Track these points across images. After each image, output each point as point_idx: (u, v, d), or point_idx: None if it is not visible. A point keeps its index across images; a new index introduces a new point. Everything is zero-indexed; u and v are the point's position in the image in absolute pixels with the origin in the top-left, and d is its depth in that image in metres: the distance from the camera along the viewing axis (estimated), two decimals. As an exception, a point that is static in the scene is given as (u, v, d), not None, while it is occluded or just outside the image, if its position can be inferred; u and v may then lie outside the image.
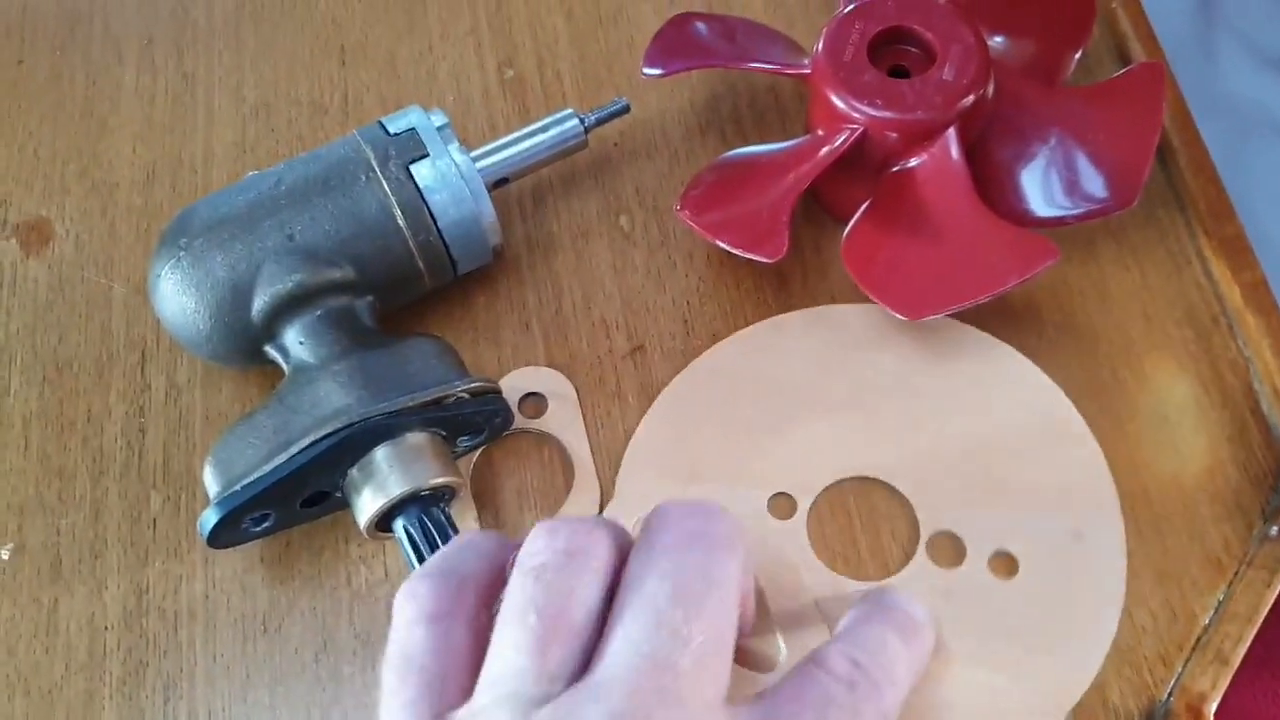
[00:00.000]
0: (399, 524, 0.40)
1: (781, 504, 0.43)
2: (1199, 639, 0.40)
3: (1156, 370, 0.44)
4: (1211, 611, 0.40)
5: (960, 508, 0.42)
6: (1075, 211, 0.44)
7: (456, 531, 0.40)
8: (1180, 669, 0.40)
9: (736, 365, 0.45)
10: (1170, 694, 0.39)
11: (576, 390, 0.46)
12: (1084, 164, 0.44)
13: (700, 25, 0.49)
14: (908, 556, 0.42)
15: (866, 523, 0.43)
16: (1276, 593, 0.39)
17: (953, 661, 0.40)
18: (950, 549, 0.42)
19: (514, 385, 0.45)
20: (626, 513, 0.42)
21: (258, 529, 0.41)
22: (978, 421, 0.43)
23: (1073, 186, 0.44)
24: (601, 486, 0.44)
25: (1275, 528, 0.41)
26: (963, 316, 0.45)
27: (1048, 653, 0.40)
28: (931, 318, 0.43)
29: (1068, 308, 0.46)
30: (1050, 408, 0.44)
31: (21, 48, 0.56)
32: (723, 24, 0.50)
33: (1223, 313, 0.46)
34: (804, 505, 0.43)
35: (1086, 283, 0.46)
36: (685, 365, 0.46)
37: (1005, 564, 0.41)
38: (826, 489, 0.43)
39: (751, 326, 0.46)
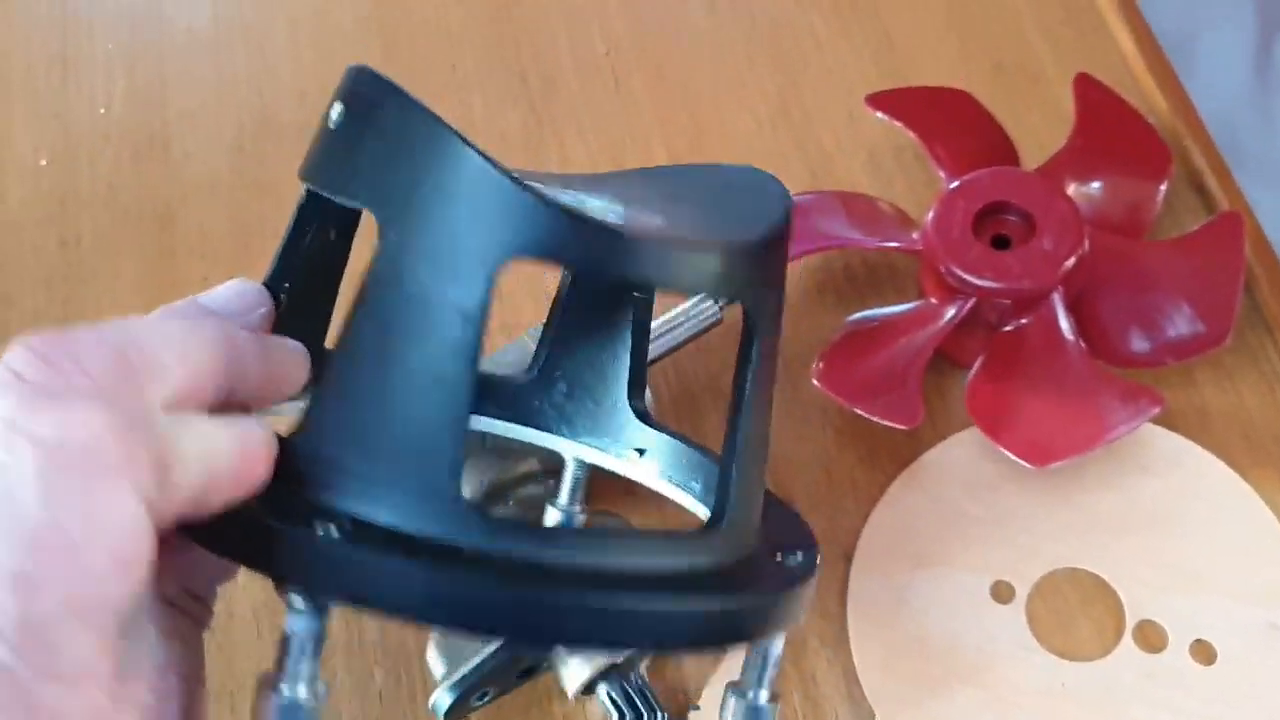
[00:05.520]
0: (602, 690, 0.46)
1: (1002, 590, 0.48)
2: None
3: (1261, 486, 0.49)
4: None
5: (1163, 597, 0.47)
6: (1172, 348, 0.49)
7: (654, 693, 0.46)
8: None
9: (956, 465, 0.51)
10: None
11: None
12: (1177, 311, 0.49)
13: (812, 204, 0.55)
14: (1116, 641, 0.47)
15: (1079, 609, 0.48)
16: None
17: None
18: (1155, 635, 0.47)
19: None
20: (857, 606, 0.48)
21: (480, 702, 0.47)
22: (1181, 519, 0.48)
23: (1169, 331, 0.49)
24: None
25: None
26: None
27: None
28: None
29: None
30: (1249, 513, 0.48)
31: None
32: (832, 201, 0.55)
33: (1318, 427, 0.50)
34: (1022, 592, 0.48)
35: (1189, 408, 0.51)
36: (834, 521, 0.51)
37: (1204, 651, 0.46)
38: (1043, 577, 0.48)
39: (968, 429, 0.51)
